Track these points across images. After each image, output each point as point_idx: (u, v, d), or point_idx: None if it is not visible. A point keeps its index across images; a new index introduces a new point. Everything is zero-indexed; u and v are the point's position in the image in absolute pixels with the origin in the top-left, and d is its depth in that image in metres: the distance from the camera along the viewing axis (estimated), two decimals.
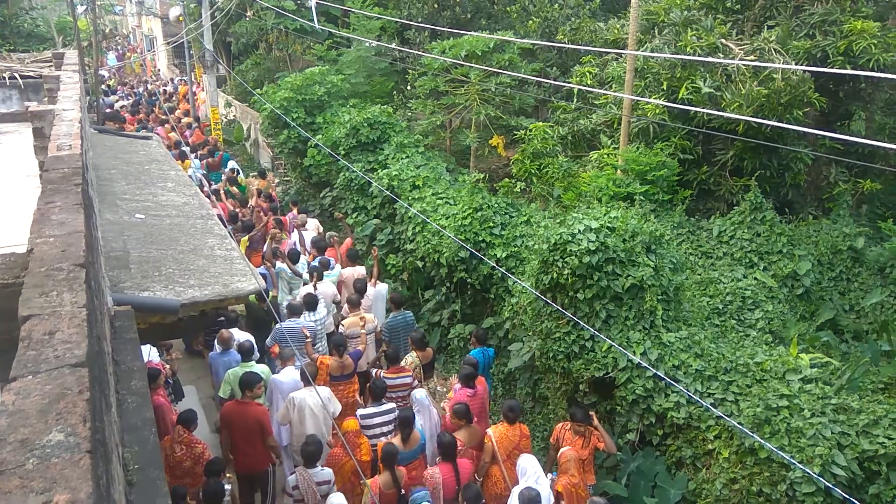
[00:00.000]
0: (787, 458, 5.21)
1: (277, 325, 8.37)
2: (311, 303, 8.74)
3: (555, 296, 6.98)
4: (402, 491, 6.05)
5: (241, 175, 16.14)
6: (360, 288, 9.21)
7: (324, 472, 6.15)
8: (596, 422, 6.34)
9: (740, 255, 8.71)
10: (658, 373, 6.13)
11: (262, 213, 12.82)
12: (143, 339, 4.31)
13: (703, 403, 5.87)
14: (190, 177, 13.30)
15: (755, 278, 8.30)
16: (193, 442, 6.56)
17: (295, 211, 13.10)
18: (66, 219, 3.09)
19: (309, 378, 6.85)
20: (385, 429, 7.03)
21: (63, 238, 2.86)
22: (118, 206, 6.58)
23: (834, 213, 9.81)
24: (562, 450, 6.29)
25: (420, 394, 7.32)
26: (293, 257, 10.39)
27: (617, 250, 6.74)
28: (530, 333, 7.71)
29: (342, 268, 10.35)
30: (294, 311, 8.58)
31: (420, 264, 10.36)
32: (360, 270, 10.15)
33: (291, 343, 7.77)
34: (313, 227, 12.22)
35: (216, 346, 8.35)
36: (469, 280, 9.41)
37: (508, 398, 7.54)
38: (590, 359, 6.73)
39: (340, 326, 8.82)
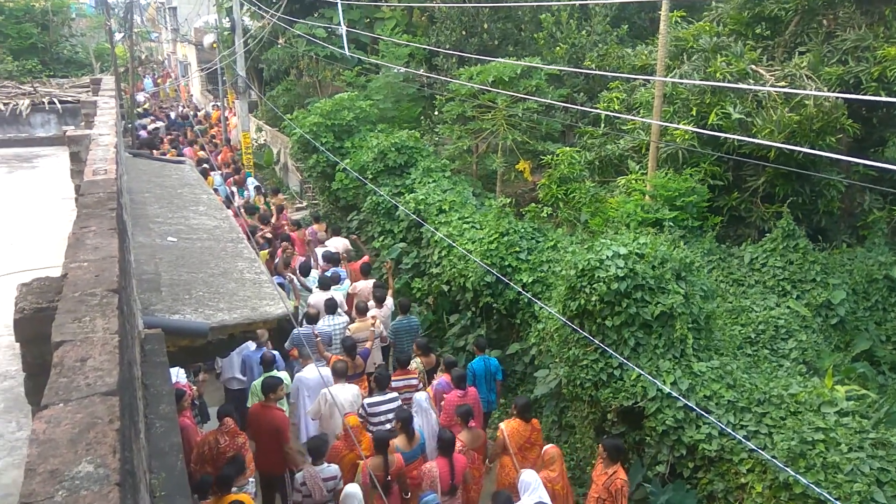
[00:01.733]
0: (824, 494, 5.04)
1: (294, 331, 8.90)
2: (331, 306, 9.30)
3: (582, 322, 6.90)
4: (390, 477, 6.28)
5: (260, 194, 16.79)
6: (379, 296, 9.79)
7: (330, 469, 6.37)
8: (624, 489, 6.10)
9: (773, 283, 8.54)
10: (689, 403, 5.99)
11: (285, 227, 13.16)
12: (172, 363, 4.33)
13: (736, 436, 5.73)
14: (216, 189, 13.67)
15: (788, 307, 8.13)
16: (237, 433, 6.86)
17: (315, 227, 13.31)
18: (100, 243, 3.13)
19: (340, 375, 7.30)
20: (390, 415, 7.31)
21: (97, 263, 2.88)
22: (151, 229, 6.68)
23: (869, 240, 9.59)
24: (545, 447, 6.58)
25: (420, 396, 7.57)
26: (304, 271, 10.84)
27: (646, 277, 6.65)
28: (557, 360, 7.62)
29: (353, 282, 10.79)
30: (310, 319, 9.11)
31: (446, 288, 10.34)
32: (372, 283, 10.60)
33: (307, 345, 8.33)
34: (342, 247, 12.31)
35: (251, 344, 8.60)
36: (495, 305, 9.36)
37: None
38: (618, 387, 6.62)
39: (346, 330, 9.27)
